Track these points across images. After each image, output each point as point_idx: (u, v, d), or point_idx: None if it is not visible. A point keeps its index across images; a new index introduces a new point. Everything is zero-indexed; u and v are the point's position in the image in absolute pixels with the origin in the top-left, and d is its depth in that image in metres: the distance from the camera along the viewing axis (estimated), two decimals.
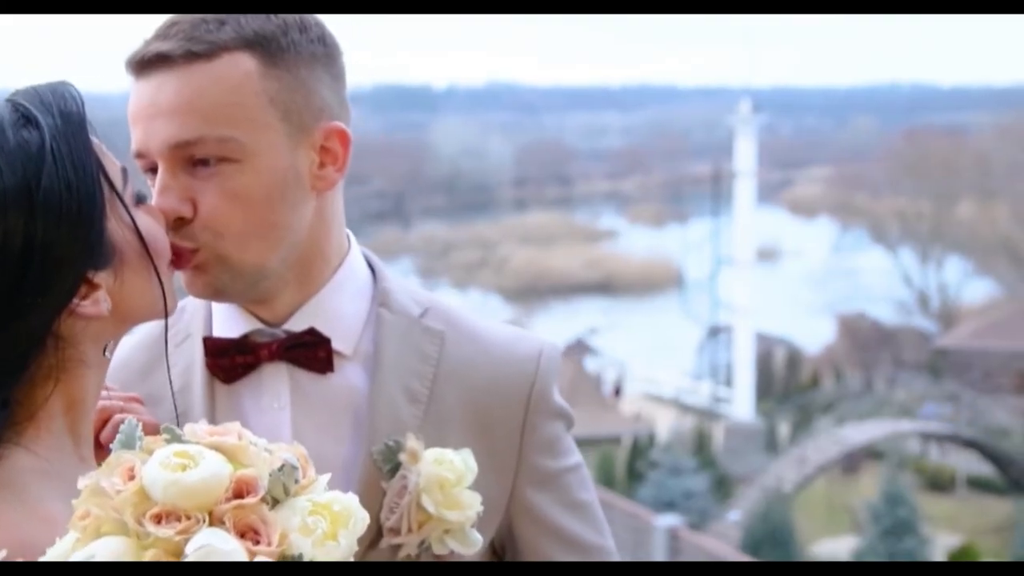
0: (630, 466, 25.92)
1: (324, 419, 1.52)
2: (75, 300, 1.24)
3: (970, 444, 28.32)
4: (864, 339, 40.67)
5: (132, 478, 1.06)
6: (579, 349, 38.36)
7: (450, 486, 1.46)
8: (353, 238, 1.60)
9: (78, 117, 1.27)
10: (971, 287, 48.02)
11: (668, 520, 17.92)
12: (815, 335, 43.92)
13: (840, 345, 42.04)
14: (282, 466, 1.09)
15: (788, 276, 55.70)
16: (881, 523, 19.65)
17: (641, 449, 26.62)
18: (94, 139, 1.29)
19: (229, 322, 1.55)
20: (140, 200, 1.34)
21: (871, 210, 52.11)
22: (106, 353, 1.30)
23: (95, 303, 1.25)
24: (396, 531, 1.47)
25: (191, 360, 1.55)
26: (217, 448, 1.10)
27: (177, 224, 1.43)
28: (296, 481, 1.10)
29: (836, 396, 33.12)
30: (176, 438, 1.11)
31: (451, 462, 1.47)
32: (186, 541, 1.03)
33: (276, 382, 1.52)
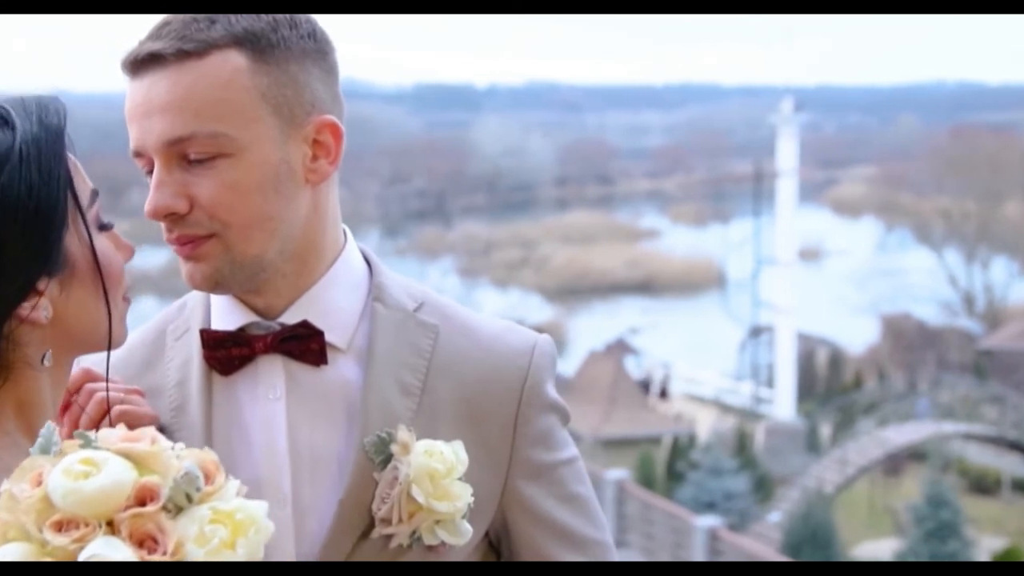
0: (670, 466, 25.85)
1: (318, 410, 1.54)
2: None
3: (1015, 446, 28.04)
4: (908, 340, 40.38)
5: (40, 484, 1.07)
6: (620, 349, 38.29)
7: (440, 477, 1.47)
8: (350, 233, 1.62)
9: (56, 129, 1.30)
10: (1017, 287, 47.57)
11: (708, 521, 17.87)
12: (858, 335, 43.63)
13: (883, 346, 41.74)
14: (183, 474, 1.09)
15: (831, 276, 55.37)
16: (924, 525, 19.49)
17: (681, 449, 26.53)
18: (71, 156, 1.31)
19: (226, 315, 1.57)
20: (105, 227, 1.36)
21: (916, 209, 51.76)
22: (43, 362, 1.29)
23: (34, 308, 1.26)
24: (387, 521, 1.49)
25: (189, 353, 1.58)
26: (125, 454, 1.10)
27: (172, 219, 1.47)
28: (198, 489, 1.10)
29: (879, 397, 32.89)
30: (88, 443, 1.11)
31: (441, 453, 1.48)
32: (80, 549, 1.04)
33: (271, 374, 1.55)
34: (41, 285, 1.26)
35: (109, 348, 1.36)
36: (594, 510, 1.63)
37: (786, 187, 32.61)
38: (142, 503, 1.07)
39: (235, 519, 1.09)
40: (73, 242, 1.29)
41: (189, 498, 1.09)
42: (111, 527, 1.06)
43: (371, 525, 1.50)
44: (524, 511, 1.58)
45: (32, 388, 1.29)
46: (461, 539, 1.49)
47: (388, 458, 1.50)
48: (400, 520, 1.48)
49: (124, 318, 1.38)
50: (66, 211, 1.28)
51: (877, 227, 63.34)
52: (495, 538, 1.61)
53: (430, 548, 1.50)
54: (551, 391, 1.62)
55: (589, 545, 1.60)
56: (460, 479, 1.49)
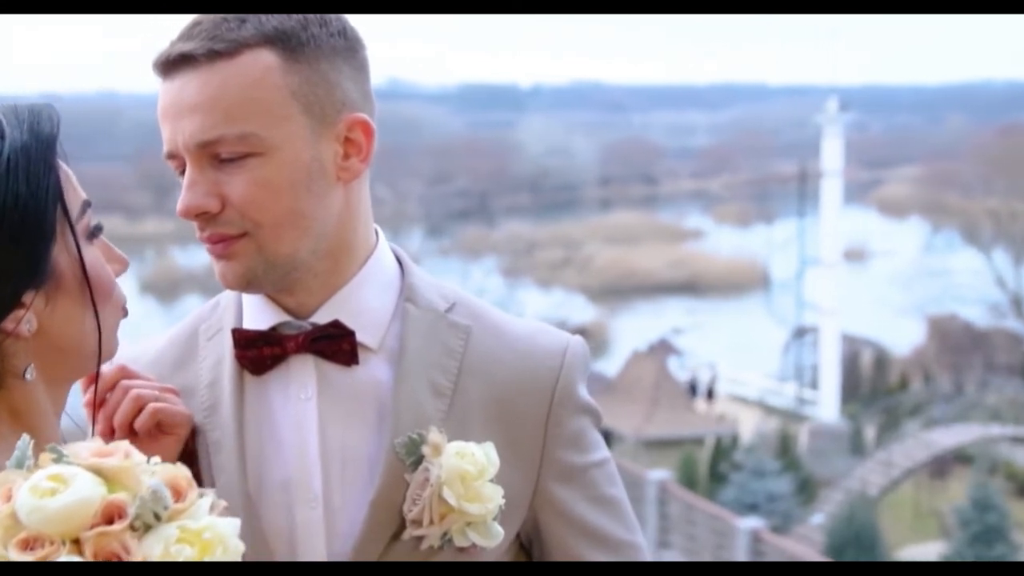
0: (713, 467, 25.71)
1: (349, 411, 1.54)
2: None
3: None
4: (955, 341, 39.96)
5: (9, 499, 1.05)
6: (663, 349, 38.13)
7: (471, 479, 1.47)
8: (381, 232, 1.62)
9: (48, 138, 1.27)
10: None
11: (751, 522, 17.78)
12: (904, 337, 43.23)
13: (930, 347, 41.33)
14: (150, 492, 1.07)
15: (877, 277, 54.90)
16: (970, 529, 19.30)
17: (724, 450, 26.40)
18: (63, 165, 1.29)
19: (259, 315, 1.57)
20: (95, 233, 1.33)
21: (963, 210, 51.20)
22: (26, 375, 1.27)
23: (15, 320, 1.23)
24: (418, 523, 1.49)
25: (222, 353, 1.58)
26: (96, 470, 1.08)
27: (205, 219, 1.47)
28: (166, 507, 1.07)
29: (925, 399, 32.58)
30: (60, 458, 1.09)
31: (473, 455, 1.48)
32: None
33: (303, 374, 1.54)
34: (26, 298, 1.24)
35: (99, 362, 1.33)
36: (626, 512, 1.62)
37: (831, 187, 32.38)
38: (110, 521, 1.05)
39: (203, 538, 1.06)
40: (61, 254, 1.27)
41: (157, 516, 1.07)
42: (77, 545, 1.04)
43: (402, 526, 1.49)
44: (556, 513, 1.57)
45: (25, 397, 1.27)
46: (492, 541, 1.49)
47: (419, 459, 1.49)
48: (431, 522, 1.48)
49: (115, 331, 1.36)
50: (54, 223, 1.25)
51: (923, 228, 62.70)
52: (526, 540, 1.60)
53: (461, 550, 1.49)
54: (583, 392, 1.61)
55: (622, 547, 1.60)
56: (491, 481, 1.48)
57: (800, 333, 38.02)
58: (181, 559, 1.04)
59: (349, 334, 1.53)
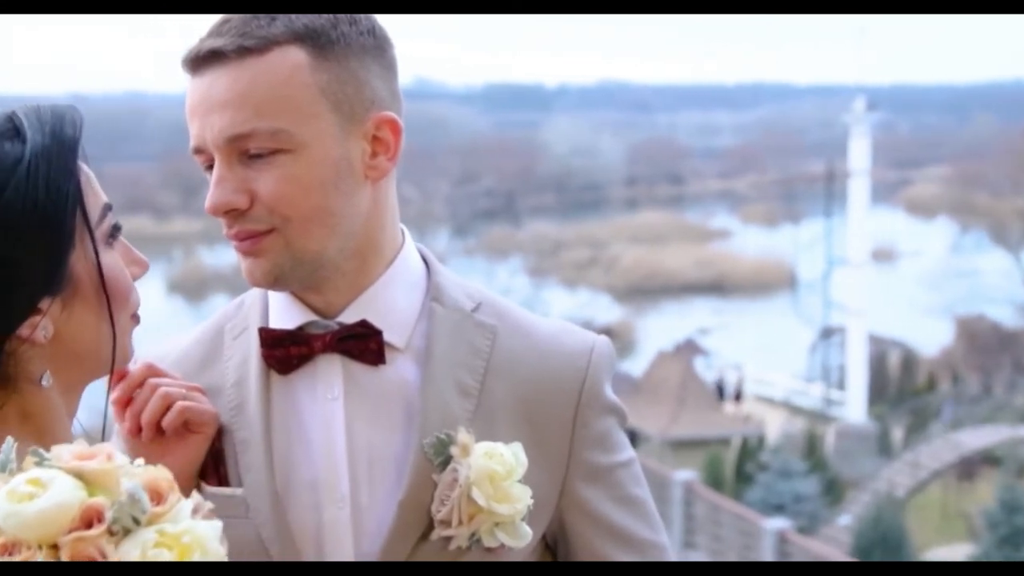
0: (739, 468, 25.63)
1: (377, 411, 1.54)
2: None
3: None
4: (983, 342, 39.72)
5: None
6: (689, 349, 38.03)
7: (500, 479, 1.47)
8: (407, 232, 1.62)
9: (71, 142, 1.26)
10: None
11: (777, 523, 17.73)
12: (932, 337, 43.01)
13: (958, 348, 41.10)
14: (126, 496, 1.05)
15: (905, 277, 54.64)
16: (998, 531, 19.18)
17: (750, 451, 26.31)
18: (84, 168, 1.28)
19: (285, 314, 1.57)
20: (115, 235, 1.32)
21: (992, 210, 50.91)
22: (42, 382, 1.26)
23: (31, 327, 1.22)
24: (447, 523, 1.48)
25: (248, 352, 1.58)
26: (76, 473, 1.06)
27: (233, 215, 1.47)
28: (144, 511, 1.05)
29: (953, 400, 32.39)
30: (41, 461, 1.07)
31: (501, 455, 1.48)
32: None
33: (330, 373, 1.54)
34: (43, 305, 1.23)
35: (112, 367, 1.31)
36: (651, 512, 1.62)
37: (859, 187, 32.25)
38: (89, 525, 1.03)
39: (181, 542, 1.04)
40: (79, 260, 1.25)
41: (136, 520, 1.05)
42: (54, 550, 1.03)
43: (430, 526, 1.49)
44: (582, 513, 1.57)
45: (38, 401, 1.26)
46: (521, 541, 1.49)
47: (447, 459, 1.49)
48: (460, 522, 1.47)
49: (130, 336, 1.35)
50: (73, 229, 1.24)
51: (952, 228, 62.40)
52: (552, 540, 1.60)
53: (489, 550, 1.49)
54: (609, 392, 1.60)
55: (647, 547, 1.59)
56: (519, 481, 1.48)
57: (827, 333, 37.86)
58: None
59: (376, 334, 1.52)
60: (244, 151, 1.45)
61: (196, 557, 1.04)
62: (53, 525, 1.03)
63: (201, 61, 1.46)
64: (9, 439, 1.11)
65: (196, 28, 1.52)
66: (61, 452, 1.07)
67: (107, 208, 1.30)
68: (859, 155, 32.58)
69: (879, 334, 37.60)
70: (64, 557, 1.02)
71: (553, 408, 1.56)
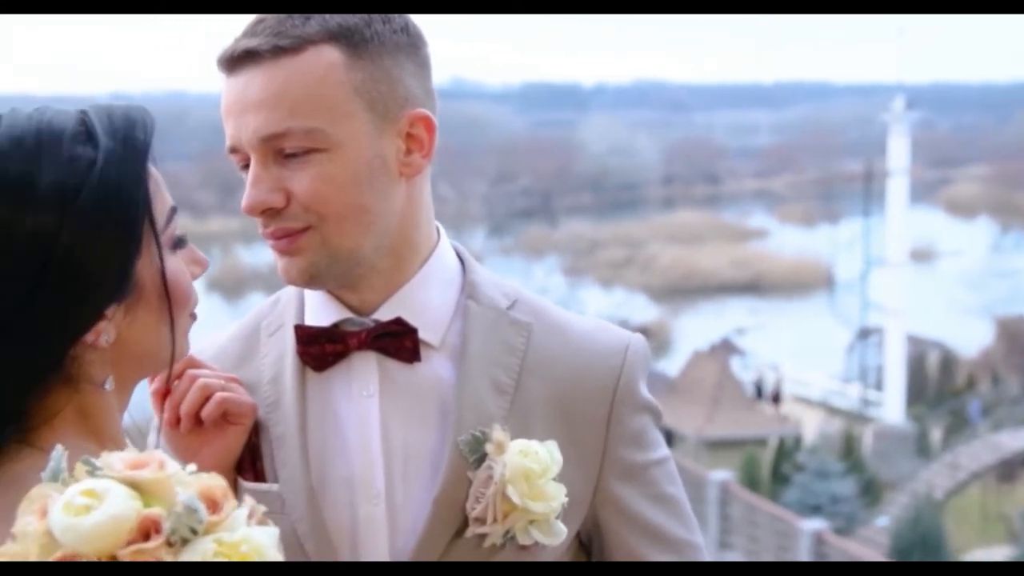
0: (776, 469, 25.51)
1: (412, 408, 1.54)
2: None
3: None
4: (1023, 343, 39.38)
5: (45, 515, 1.03)
6: (725, 349, 37.90)
7: (535, 477, 1.47)
8: (442, 229, 1.62)
9: (142, 147, 1.25)
10: None
11: (814, 524, 17.65)
12: (971, 338, 42.69)
13: (997, 348, 40.76)
14: (182, 507, 1.04)
15: (944, 277, 54.27)
16: None
17: (787, 451, 26.17)
18: (153, 170, 1.27)
19: (321, 311, 1.58)
20: (179, 244, 1.31)
21: None
22: (105, 386, 1.26)
23: (95, 333, 1.22)
24: (482, 520, 1.49)
25: (283, 349, 1.58)
26: (130, 482, 1.05)
27: (269, 214, 1.48)
28: (201, 521, 1.04)
29: (992, 401, 32.12)
30: (93, 470, 1.06)
31: (537, 453, 1.48)
32: None
33: (365, 371, 1.55)
34: (108, 312, 1.22)
35: (171, 367, 1.32)
36: (685, 510, 1.62)
37: (897, 186, 32.04)
38: (146, 536, 1.02)
39: (240, 551, 1.02)
40: (145, 266, 1.24)
41: (193, 530, 1.03)
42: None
43: (464, 524, 1.49)
44: (616, 511, 1.57)
45: (97, 401, 1.27)
46: (556, 539, 1.49)
47: (482, 457, 1.49)
48: (495, 520, 1.47)
49: (188, 335, 1.34)
50: (142, 236, 1.23)
51: (992, 227, 61.94)
52: (586, 538, 1.60)
53: (523, 547, 1.49)
54: (644, 391, 1.60)
55: (681, 546, 1.59)
56: (554, 479, 1.48)
57: (865, 334, 37.63)
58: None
59: (412, 331, 1.53)
60: (279, 150, 1.46)
61: None
62: (110, 538, 1.02)
63: (236, 61, 1.47)
64: (59, 447, 1.10)
65: (234, 27, 1.53)
66: (112, 461, 1.06)
67: (173, 211, 1.30)
68: (898, 154, 32.36)
69: (918, 334, 37.36)
70: None
71: (588, 406, 1.56)
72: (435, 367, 1.54)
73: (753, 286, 58.34)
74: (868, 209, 36.87)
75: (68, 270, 1.18)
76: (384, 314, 1.54)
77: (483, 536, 1.49)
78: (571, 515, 1.52)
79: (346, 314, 1.56)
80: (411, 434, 1.53)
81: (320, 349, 1.54)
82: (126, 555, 1.01)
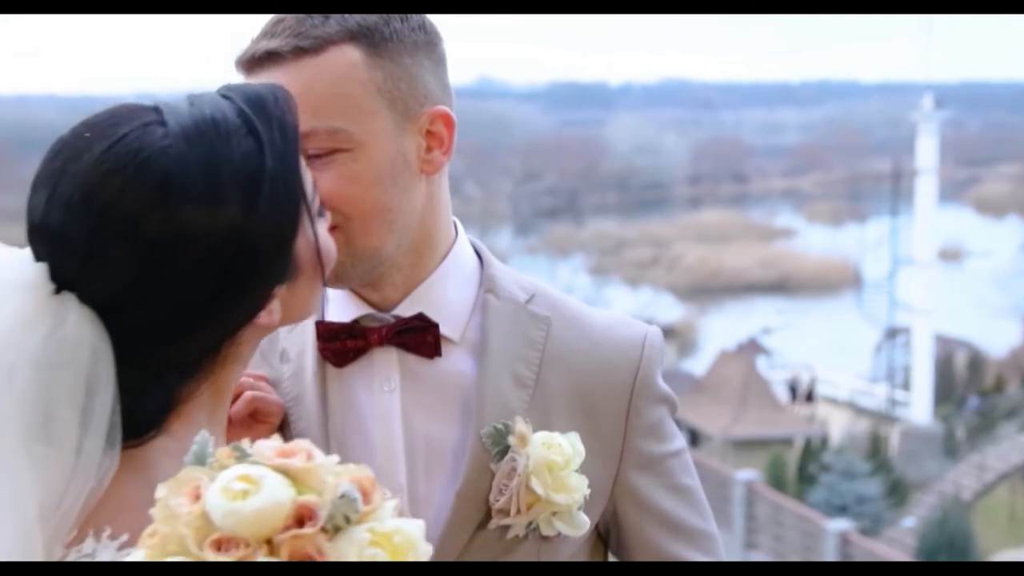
0: (802, 469, 25.44)
1: (433, 402, 1.56)
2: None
3: None
4: None
5: (198, 498, 1.06)
6: (751, 349, 37.76)
7: (558, 469, 1.48)
8: (460, 225, 1.63)
9: (293, 133, 1.30)
10: None
11: (840, 524, 17.60)
12: (1000, 338, 42.43)
13: None
14: (341, 496, 1.07)
15: (973, 277, 53.95)
16: None
17: (814, 451, 26.09)
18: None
19: (341, 307, 1.59)
20: (322, 213, 1.37)
21: None
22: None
23: (269, 314, 1.29)
24: (505, 512, 1.50)
25: (304, 345, 1.60)
26: (282, 470, 1.08)
27: None
28: (357, 511, 1.07)
29: (1021, 401, 31.93)
30: (244, 456, 1.09)
31: (559, 445, 1.49)
32: None
33: (386, 366, 1.56)
34: (276, 292, 1.29)
35: (322, 317, 1.40)
36: (701, 501, 1.63)
37: (926, 186, 31.89)
38: (300, 523, 1.05)
39: (393, 542, 1.06)
40: (302, 243, 1.30)
41: (347, 519, 1.06)
42: (270, 547, 1.04)
43: (487, 516, 1.51)
44: (634, 502, 1.59)
45: (229, 380, 1.32)
46: (578, 530, 1.50)
47: (505, 449, 1.50)
48: (518, 511, 1.49)
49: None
50: (300, 218, 1.29)
51: (1021, 227, 61.48)
52: (603, 529, 1.62)
53: (545, 539, 1.51)
54: (661, 383, 1.62)
55: (697, 536, 1.61)
56: (576, 471, 1.49)
57: (892, 334, 37.45)
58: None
59: (433, 326, 1.54)
60: (303, 151, 1.44)
61: (409, 557, 1.06)
62: (268, 523, 1.04)
63: (256, 62, 1.47)
64: (204, 432, 1.14)
65: (258, 27, 1.53)
66: (263, 448, 1.09)
67: (314, 185, 1.35)
68: (926, 153, 32.21)
69: (946, 334, 37.15)
70: (282, 556, 1.04)
71: (607, 398, 1.58)
72: (455, 361, 1.56)
73: (780, 286, 58.15)
74: (896, 208, 36.70)
75: (252, 262, 1.24)
76: (405, 310, 1.56)
77: (506, 528, 1.50)
78: (591, 506, 1.54)
79: (366, 310, 1.57)
80: (432, 428, 1.55)
81: (341, 345, 1.56)
82: (284, 540, 1.03)
